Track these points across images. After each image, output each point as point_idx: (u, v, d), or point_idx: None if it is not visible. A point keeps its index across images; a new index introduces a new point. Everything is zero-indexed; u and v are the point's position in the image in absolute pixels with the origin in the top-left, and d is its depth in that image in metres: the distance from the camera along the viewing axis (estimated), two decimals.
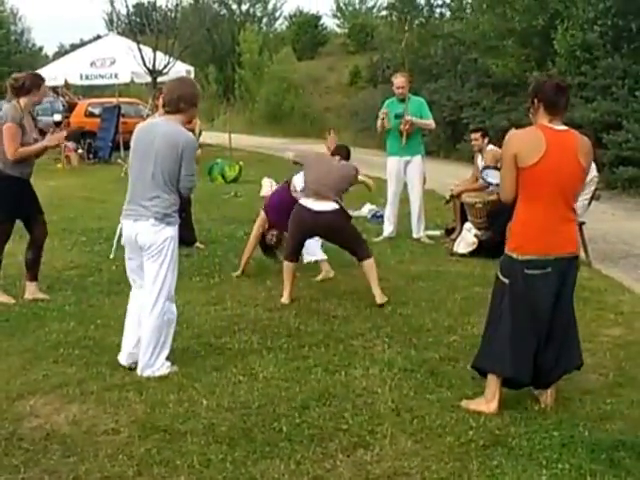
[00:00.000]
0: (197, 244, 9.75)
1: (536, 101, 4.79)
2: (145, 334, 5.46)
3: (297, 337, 6.24)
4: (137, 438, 4.45)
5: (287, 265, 7.31)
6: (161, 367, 5.48)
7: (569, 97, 4.88)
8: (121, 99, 24.75)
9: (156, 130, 5.48)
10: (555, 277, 4.73)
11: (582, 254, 8.73)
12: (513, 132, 4.94)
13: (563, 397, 4.98)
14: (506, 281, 4.79)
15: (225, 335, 6.14)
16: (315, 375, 5.38)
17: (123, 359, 5.64)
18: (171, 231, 5.41)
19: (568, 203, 4.76)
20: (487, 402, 4.81)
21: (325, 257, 8.15)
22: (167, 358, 5.54)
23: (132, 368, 5.53)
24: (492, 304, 4.95)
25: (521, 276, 4.72)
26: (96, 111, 24.24)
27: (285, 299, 7.25)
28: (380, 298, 7.15)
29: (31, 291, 7.40)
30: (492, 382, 4.83)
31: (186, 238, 9.38)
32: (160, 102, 9.26)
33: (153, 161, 5.35)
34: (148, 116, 10.60)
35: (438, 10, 26.99)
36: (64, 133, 7.87)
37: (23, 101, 7.14)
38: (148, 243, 5.37)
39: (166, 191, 5.37)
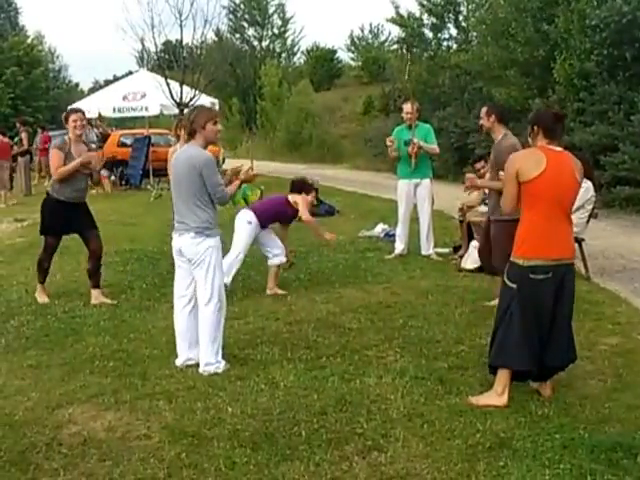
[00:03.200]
0: None
1: (536, 127, 5.06)
2: (203, 336, 5.73)
3: (315, 349, 6.24)
4: (167, 443, 4.48)
5: None
6: (219, 365, 5.71)
7: (564, 124, 5.18)
8: (151, 130, 24.93)
9: (182, 155, 5.86)
10: (555, 281, 4.90)
11: (582, 268, 8.75)
12: (516, 152, 5.28)
13: (564, 402, 4.97)
14: (514, 286, 4.94)
15: (248, 347, 6.16)
16: (332, 383, 5.39)
17: (181, 362, 5.88)
18: (212, 242, 5.71)
19: (566, 213, 5.00)
20: (498, 395, 4.91)
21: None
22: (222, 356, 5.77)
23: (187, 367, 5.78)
24: (500, 307, 5.09)
25: (527, 281, 4.88)
26: (128, 141, 24.41)
27: None
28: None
29: (95, 296, 7.91)
30: (503, 377, 4.95)
31: None
32: (181, 132, 9.44)
33: (184, 183, 5.73)
34: (174, 144, 10.61)
35: (445, 43, 27.07)
36: (96, 153, 8.35)
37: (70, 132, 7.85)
38: (191, 254, 5.72)
39: (200, 207, 5.69)
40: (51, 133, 30.26)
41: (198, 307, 5.80)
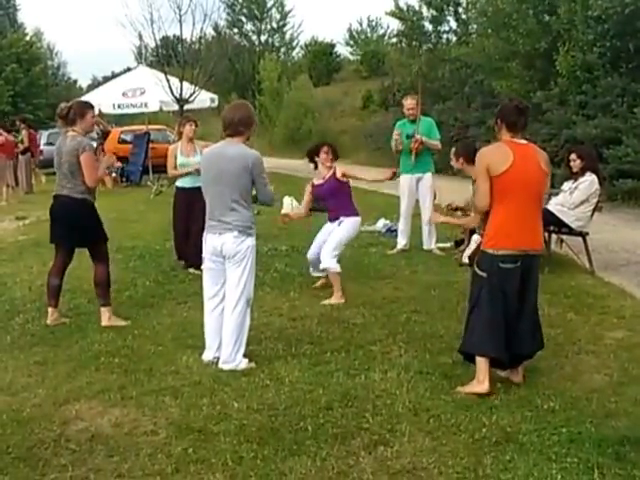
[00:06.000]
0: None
1: (499, 122, 5.17)
2: (226, 332, 5.75)
3: (319, 344, 6.27)
4: (174, 438, 4.50)
5: None
6: (240, 362, 5.73)
7: (528, 117, 5.22)
8: (150, 126, 24.95)
9: (224, 154, 5.74)
10: (521, 270, 5.04)
11: (586, 262, 8.78)
12: (483, 149, 5.29)
13: (570, 396, 4.99)
14: (484, 274, 5.09)
15: (252, 343, 6.15)
16: (337, 379, 5.42)
17: (208, 357, 5.90)
18: (251, 241, 5.77)
19: (536, 204, 5.15)
20: (479, 383, 5.01)
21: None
22: (244, 355, 5.77)
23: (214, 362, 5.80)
24: (471, 295, 5.23)
25: (496, 270, 5.03)
26: (128, 138, 24.44)
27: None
28: None
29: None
30: (481, 365, 5.05)
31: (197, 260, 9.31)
32: (185, 129, 9.39)
33: (227, 182, 5.66)
34: (174, 142, 10.56)
35: (445, 36, 27.07)
36: (113, 157, 7.88)
37: (78, 129, 6.93)
38: (232, 252, 5.71)
39: (243, 206, 5.71)
40: (50, 131, 30.41)
41: (225, 305, 5.81)
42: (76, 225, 6.96)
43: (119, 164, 8.55)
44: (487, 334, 5.03)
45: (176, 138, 9.83)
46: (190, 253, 9.16)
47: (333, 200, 8.03)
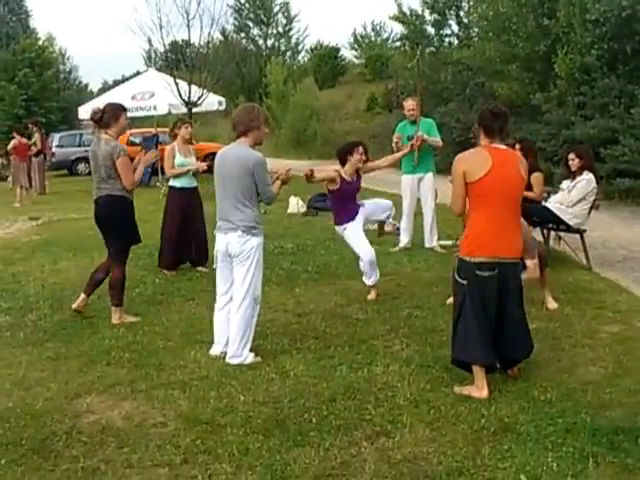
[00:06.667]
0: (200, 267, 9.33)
1: (477, 125, 5.12)
2: (233, 328, 5.78)
3: (323, 339, 6.31)
4: (182, 430, 4.55)
5: None
6: (247, 357, 5.77)
7: (506, 121, 5.08)
8: (159, 129, 24.97)
9: (230, 154, 5.81)
10: (500, 278, 4.94)
11: (583, 259, 8.80)
12: (460, 154, 5.15)
13: (566, 388, 5.03)
14: (464, 282, 5.00)
15: (259, 338, 6.20)
16: (340, 372, 5.46)
17: (216, 352, 5.95)
18: (257, 240, 5.78)
19: (513, 210, 5.02)
20: (479, 389, 4.95)
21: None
22: (250, 349, 5.81)
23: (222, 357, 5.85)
24: (455, 304, 5.15)
25: (474, 277, 4.93)
26: (137, 140, 24.46)
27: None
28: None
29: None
30: (478, 372, 4.99)
31: (198, 258, 9.37)
32: (181, 131, 9.43)
33: (231, 183, 5.71)
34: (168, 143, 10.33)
35: (447, 39, 27.04)
36: (154, 153, 7.81)
37: (112, 132, 6.94)
38: (237, 251, 5.74)
39: (248, 206, 5.73)
40: (61, 134, 30.47)
41: (232, 302, 5.85)
42: (116, 221, 7.03)
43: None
44: (474, 341, 4.94)
45: (170, 140, 9.80)
46: (190, 252, 9.37)
47: (351, 202, 7.72)
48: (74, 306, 7.25)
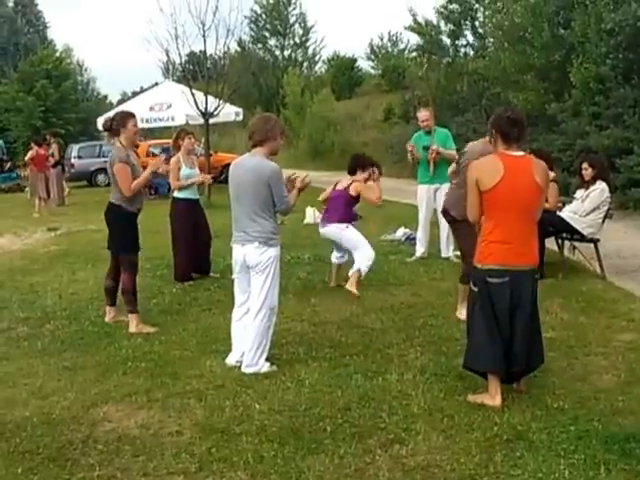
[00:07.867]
0: (211, 273, 9.62)
1: (494, 132, 5.00)
2: (249, 338, 5.79)
3: (339, 348, 6.33)
4: (198, 439, 4.58)
5: None
6: (263, 367, 5.79)
7: (523, 128, 5.01)
8: None
9: (245, 165, 5.79)
10: (510, 288, 4.89)
11: (597, 268, 8.80)
12: (474, 161, 5.13)
13: (579, 395, 5.03)
14: (475, 289, 5.01)
15: (274, 347, 6.22)
16: (355, 381, 5.48)
17: (232, 361, 5.98)
18: (274, 251, 5.76)
19: (528, 219, 4.95)
20: (492, 397, 4.93)
21: None
22: (266, 359, 5.84)
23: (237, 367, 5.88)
24: (469, 310, 5.17)
25: (485, 284, 4.92)
26: (156, 151, 24.61)
27: None
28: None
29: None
30: (492, 380, 4.97)
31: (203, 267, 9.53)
32: (185, 142, 9.47)
33: (246, 194, 5.70)
34: (173, 154, 10.27)
35: (462, 50, 27.07)
36: (162, 158, 7.87)
37: (123, 139, 7.04)
38: (254, 262, 5.73)
39: (264, 217, 5.71)
40: (80, 145, 30.70)
41: (249, 312, 5.87)
42: (111, 230, 7.21)
43: (166, 167, 8.45)
44: (485, 349, 4.93)
45: (174, 152, 9.79)
46: (201, 261, 9.51)
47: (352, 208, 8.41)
48: (107, 319, 7.43)
